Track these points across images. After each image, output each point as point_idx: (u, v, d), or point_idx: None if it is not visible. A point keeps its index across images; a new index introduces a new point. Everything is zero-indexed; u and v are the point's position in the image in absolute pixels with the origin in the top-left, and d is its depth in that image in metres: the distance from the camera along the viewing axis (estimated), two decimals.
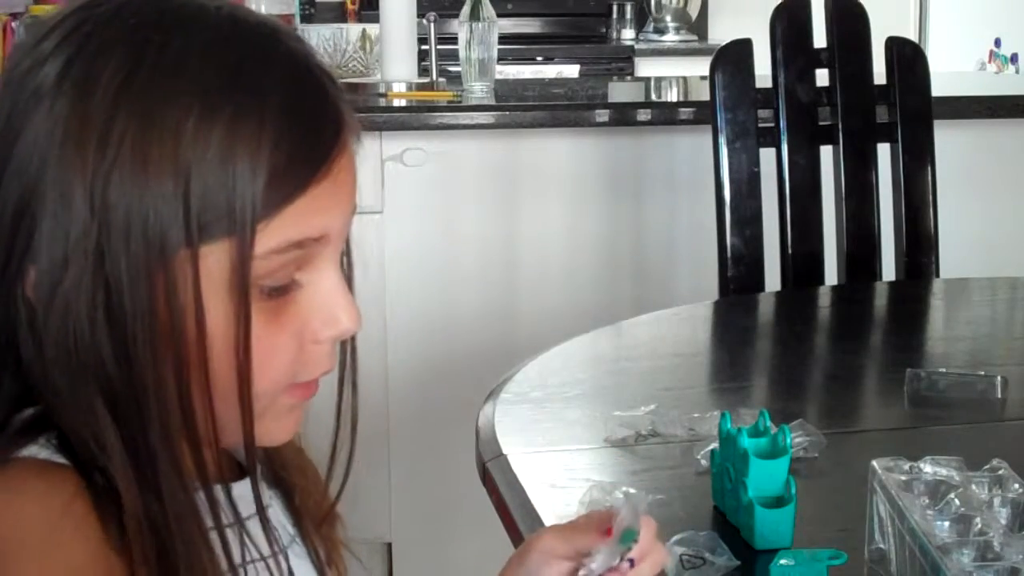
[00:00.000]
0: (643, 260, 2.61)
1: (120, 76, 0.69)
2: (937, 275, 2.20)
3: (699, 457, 1.24)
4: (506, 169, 2.58)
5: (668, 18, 4.68)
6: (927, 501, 0.98)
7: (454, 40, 2.74)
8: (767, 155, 2.16)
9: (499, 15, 2.75)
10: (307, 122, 0.73)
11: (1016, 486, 0.99)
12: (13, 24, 2.74)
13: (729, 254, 2.13)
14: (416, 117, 2.50)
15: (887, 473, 1.02)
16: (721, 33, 4.48)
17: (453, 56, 2.82)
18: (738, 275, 2.12)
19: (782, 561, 1.00)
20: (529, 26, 4.70)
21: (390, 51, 2.72)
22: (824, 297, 2.11)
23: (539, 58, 4.52)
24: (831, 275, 2.19)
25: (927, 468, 1.02)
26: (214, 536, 0.74)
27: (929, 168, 2.22)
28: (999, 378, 1.47)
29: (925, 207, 2.22)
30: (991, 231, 2.67)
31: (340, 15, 4.61)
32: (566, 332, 1.70)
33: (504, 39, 3.00)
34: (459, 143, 2.53)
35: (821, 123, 2.20)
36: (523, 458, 1.28)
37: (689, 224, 2.56)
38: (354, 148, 0.76)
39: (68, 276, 0.69)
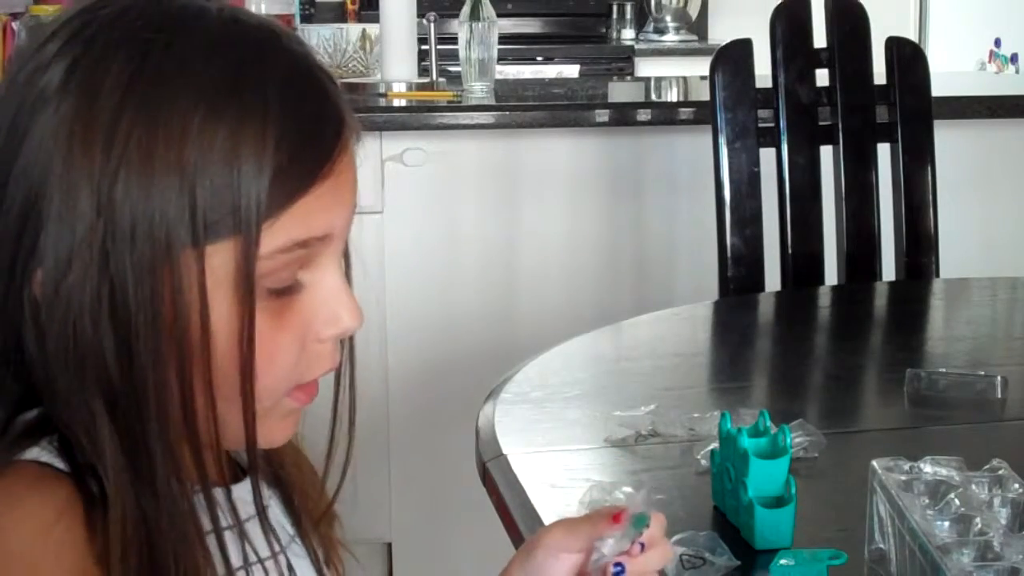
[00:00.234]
0: (643, 260, 2.61)
1: (125, 77, 0.69)
2: (937, 275, 2.20)
3: (699, 457, 1.24)
4: (506, 169, 2.58)
5: (668, 18, 4.68)
6: (927, 501, 0.98)
7: (454, 40, 2.74)
8: (767, 155, 2.16)
9: (499, 15, 2.75)
10: (309, 122, 0.73)
11: (1016, 486, 0.99)
12: (13, 24, 2.74)
13: (729, 254, 2.13)
14: (416, 117, 2.50)
15: (887, 473, 1.02)
16: (721, 33, 4.48)
17: (453, 56, 2.82)
18: (738, 275, 2.12)
19: (782, 561, 1.00)
20: (529, 26, 4.70)
21: (390, 51, 2.72)
22: (824, 297, 2.11)
23: (539, 58, 4.52)
24: (831, 275, 2.19)
25: (927, 468, 1.02)
26: (212, 540, 0.74)
27: (929, 168, 2.22)
28: (999, 378, 1.47)
29: (925, 207, 2.22)
30: (991, 231, 2.67)
31: (340, 15, 4.61)
32: (566, 332, 1.70)
33: (504, 39, 3.00)
34: (459, 143, 2.53)
35: (821, 123, 2.20)
36: (523, 458, 1.28)
37: (689, 224, 2.56)
38: (354, 148, 0.76)
39: (72, 273, 0.69)
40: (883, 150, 2.22)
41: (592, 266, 2.60)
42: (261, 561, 0.78)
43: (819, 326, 1.98)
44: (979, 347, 1.72)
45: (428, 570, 2.59)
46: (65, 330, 0.70)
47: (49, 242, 0.70)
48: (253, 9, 2.89)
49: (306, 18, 4.38)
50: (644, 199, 2.60)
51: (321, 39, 3.99)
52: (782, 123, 2.17)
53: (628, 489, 1.13)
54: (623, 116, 2.56)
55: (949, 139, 2.37)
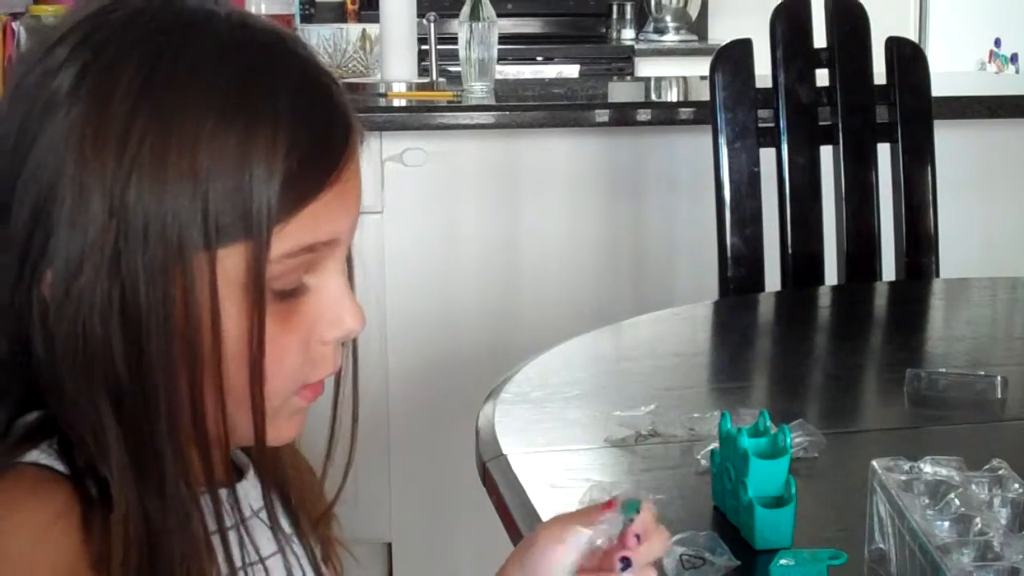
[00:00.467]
0: (643, 260, 2.61)
1: (137, 83, 0.70)
2: (937, 275, 2.20)
3: (699, 457, 1.24)
4: (506, 169, 2.58)
5: (668, 18, 4.68)
6: (927, 501, 0.98)
7: (454, 40, 2.74)
8: (767, 155, 2.16)
9: (499, 15, 2.75)
10: (319, 127, 0.74)
11: (1016, 486, 0.99)
12: (13, 24, 2.74)
13: (729, 254, 2.13)
14: (416, 117, 2.51)
15: (887, 473, 1.02)
16: (721, 33, 4.48)
17: (453, 56, 2.82)
18: (738, 275, 2.12)
19: (782, 561, 1.00)
20: (529, 26, 4.70)
21: (390, 51, 2.72)
22: (824, 297, 2.11)
23: (539, 58, 4.52)
24: (831, 275, 2.19)
25: (927, 468, 1.02)
26: (216, 539, 0.74)
27: (929, 168, 2.22)
28: (999, 378, 1.47)
29: (925, 207, 2.22)
30: (991, 231, 2.67)
31: (340, 15, 4.61)
32: (566, 332, 1.70)
33: (504, 39, 3.00)
34: (459, 143, 2.53)
35: (821, 123, 2.20)
36: (523, 458, 1.28)
37: (689, 224, 2.56)
38: (360, 152, 0.77)
39: (83, 275, 0.70)
40: (883, 150, 2.22)
41: (592, 266, 2.60)
42: (263, 560, 0.79)
43: (819, 326, 1.98)
44: (979, 347, 1.72)
45: (428, 570, 2.59)
46: (74, 331, 0.70)
47: (60, 244, 0.70)
48: (253, 9, 2.90)
49: (306, 18, 4.38)
50: (644, 199, 2.60)
51: (321, 39, 3.99)
52: (782, 123, 2.17)
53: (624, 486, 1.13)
54: (623, 116, 2.56)
55: (949, 139, 2.37)
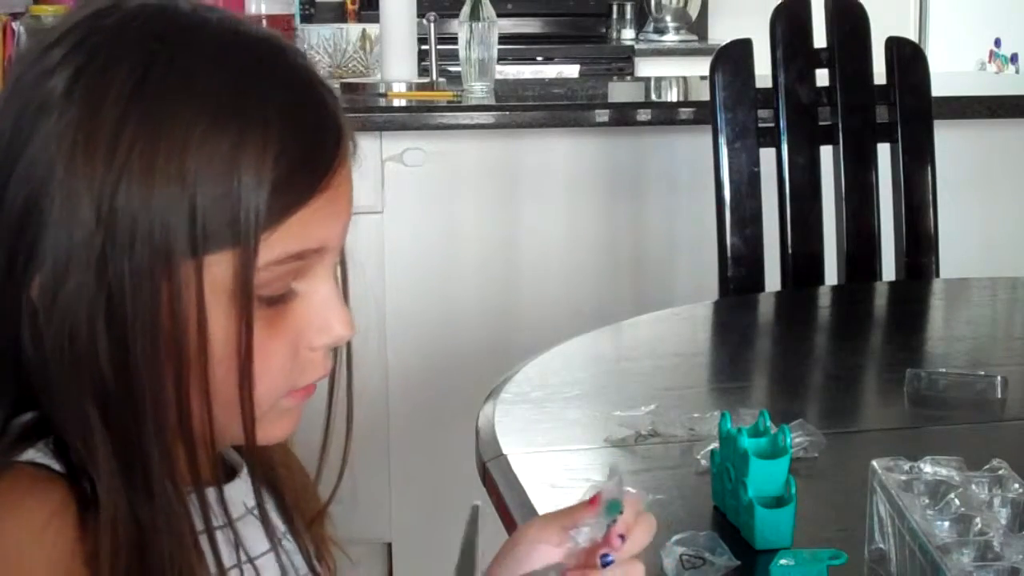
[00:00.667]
0: (643, 260, 2.61)
1: (128, 88, 0.70)
2: (937, 275, 2.20)
3: (699, 457, 1.24)
4: (506, 169, 2.58)
5: (668, 18, 4.68)
6: (927, 501, 0.98)
7: (454, 40, 2.74)
8: (767, 155, 2.16)
9: (499, 15, 2.75)
10: (309, 134, 0.74)
11: (1016, 486, 0.99)
12: (13, 24, 2.74)
13: (729, 254, 2.13)
14: (416, 117, 2.50)
15: (887, 473, 1.02)
16: (721, 33, 4.48)
17: (453, 56, 2.82)
18: (738, 275, 2.12)
19: (782, 561, 1.00)
20: (529, 26, 4.70)
21: (390, 51, 2.72)
22: (824, 297, 2.11)
23: (539, 58, 4.52)
24: (831, 275, 2.19)
25: (927, 468, 1.02)
26: (205, 540, 0.74)
27: (929, 168, 2.22)
28: (999, 378, 1.47)
29: (925, 207, 2.22)
30: (991, 231, 2.67)
31: (340, 15, 4.61)
32: (566, 332, 1.70)
33: (504, 39, 3.00)
34: (459, 143, 2.53)
35: (821, 123, 2.20)
36: (523, 458, 1.28)
37: (689, 224, 2.56)
38: (351, 160, 0.77)
39: (70, 280, 0.70)
40: (883, 150, 2.22)
41: (592, 266, 2.60)
42: (251, 560, 0.79)
43: (819, 326, 1.98)
44: (979, 347, 1.72)
45: (428, 570, 2.59)
46: (62, 335, 0.70)
47: (48, 247, 0.70)
48: (253, 9, 2.89)
49: (306, 18, 4.38)
50: (644, 199, 2.60)
51: (321, 39, 3.99)
52: (782, 123, 2.17)
53: (631, 490, 1.13)
54: (623, 116, 2.56)
55: (949, 139, 2.37)
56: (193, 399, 0.72)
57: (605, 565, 0.81)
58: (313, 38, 3.92)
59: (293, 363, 0.76)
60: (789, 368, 1.68)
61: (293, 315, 0.75)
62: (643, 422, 1.33)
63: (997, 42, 4.25)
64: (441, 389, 2.53)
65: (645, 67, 4.44)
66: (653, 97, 3.12)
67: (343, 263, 0.81)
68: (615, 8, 4.78)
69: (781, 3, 2.21)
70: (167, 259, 0.70)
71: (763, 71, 2.18)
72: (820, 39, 2.21)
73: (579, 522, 0.83)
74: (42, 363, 0.72)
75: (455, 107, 2.53)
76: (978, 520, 0.94)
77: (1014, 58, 4.16)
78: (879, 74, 2.24)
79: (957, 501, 0.96)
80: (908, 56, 2.24)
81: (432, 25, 2.77)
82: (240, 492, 0.81)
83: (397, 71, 2.70)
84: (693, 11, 4.70)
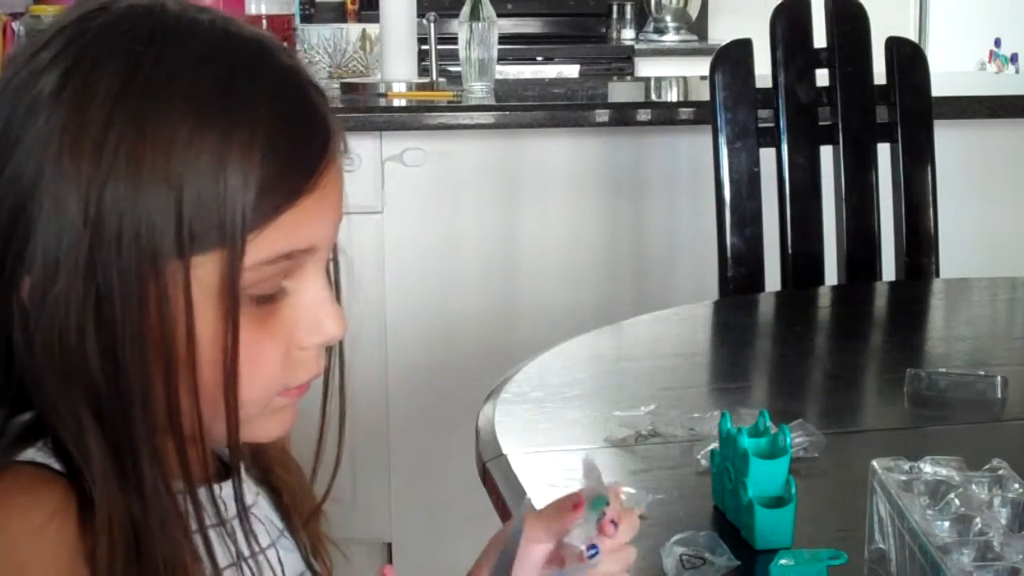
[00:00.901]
0: (643, 260, 2.61)
1: (116, 87, 0.70)
2: (937, 275, 2.20)
3: (699, 457, 1.24)
4: (506, 169, 2.58)
5: (668, 18, 4.68)
6: (927, 501, 0.97)
7: (454, 40, 2.74)
8: (767, 155, 2.16)
9: (499, 15, 2.75)
10: (296, 134, 0.74)
11: (1016, 486, 0.99)
12: (13, 24, 2.74)
13: (729, 254, 2.13)
14: (416, 117, 2.51)
15: (887, 473, 1.01)
16: (721, 33, 4.48)
17: (453, 56, 2.82)
18: (738, 275, 2.12)
19: (782, 561, 1.00)
20: (529, 26, 4.70)
21: (390, 51, 2.71)
22: (824, 297, 2.11)
23: (539, 58, 4.52)
24: (831, 275, 2.19)
25: (927, 468, 1.02)
26: (198, 538, 0.75)
27: (929, 168, 2.22)
28: (999, 378, 1.47)
29: (925, 207, 2.22)
30: (991, 231, 2.67)
31: (340, 15, 4.61)
32: (566, 332, 1.70)
33: (504, 39, 3.00)
34: (459, 143, 2.53)
35: (821, 123, 2.20)
36: (523, 458, 1.27)
37: (689, 224, 2.56)
38: (342, 160, 0.77)
39: (59, 283, 0.70)
40: (883, 150, 2.22)
41: (592, 266, 2.60)
42: (245, 559, 0.79)
43: (819, 326, 1.98)
44: (979, 347, 1.72)
45: (428, 570, 2.59)
46: (51, 338, 0.70)
47: (37, 248, 0.70)
48: (253, 9, 2.89)
49: (306, 18, 4.38)
50: (644, 199, 2.60)
51: (321, 39, 3.99)
52: (782, 123, 2.17)
53: (630, 490, 1.13)
54: (623, 116, 2.56)
55: (949, 139, 2.37)
56: (183, 399, 0.72)
57: (592, 556, 0.81)
58: (313, 38, 3.91)
59: (285, 363, 0.76)
60: (789, 368, 1.68)
61: (284, 315, 0.75)
62: (643, 422, 1.33)
63: (997, 42, 4.25)
64: (441, 389, 2.53)
65: (645, 67, 4.44)
66: (653, 97, 3.12)
67: (335, 262, 0.81)
68: (615, 8, 4.78)
69: (781, 3, 2.21)
70: (154, 260, 0.70)
71: (763, 71, 2.18)
72: (820, 39, 2.21)
73: (568, 527, 0.83)
74: (34, 365, 0.72)
75: (455, 107, 2.53)
76: (978, 520, 0.94)
77: (1014, 58, 4.16)
78: (879, 74, 2.24)
79: (957, 501, 0.96)
80: (908, 56, 2.24)
81: (432, 25, 2.77)
82: (238, 489, 0.81)
83: (397, 71, 2.70)
84: (693, 11, 4.70)
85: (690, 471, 1.24)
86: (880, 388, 1.62)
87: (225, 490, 0.79)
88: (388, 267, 2.51)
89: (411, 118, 2.50)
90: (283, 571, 0.84)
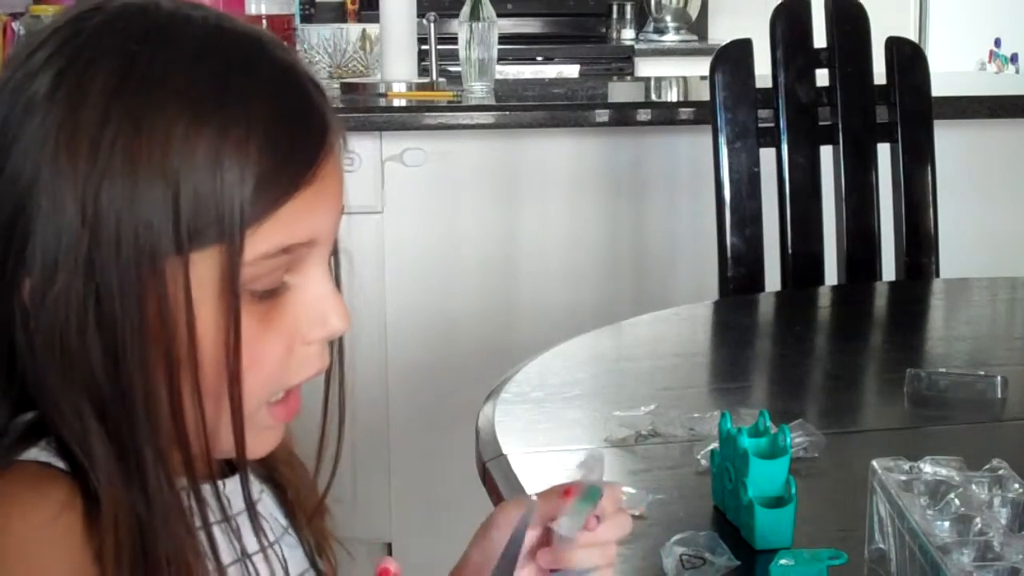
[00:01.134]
0: (643, 260, 2.61)
1: (110, 86, 0.70)
2: (937, 275, 2.20)
3: (699, 457, 1.24)
4: (506, 169, 2.58)
5: (668, 18, 4.68)
6: (927, 501, 0.97)
7: (454, 40, 2.74)
8: (767, 155, 2.16)
9: (499, 15, 2.76)
10: (292, 128, 0.74)
11: (1016, 486, 0.99)
12: (13, 24, 2.74)
13: (729, 254, 2.13)
14: (416, 117, 2.50)
15: (887, 473, 1.01)
16: (721, 33, 4.48)
17: (453, 56, 2.82)
18: (738, 275, 2.12)
19: (782, 561, 1.00)
20: (529, 26, 4.70)
21: (390, 51, 2.71)
22: (824, 297, 2.11)
23: (539, 58, 4.52)
24: (831, 275, 2.19)
25: (927, 468, 1.02)
26: (202, 535, 0.75)
27: (929, 168, 2.22)
28: (999, 378, 1.47)
29: (925, 207, 2.22)
30: (991, 231, 2.67)
31: (340, 15, 4.61)
32: (566, 332, 1.70)
33: (504, 39, 3.00)
34: (459, 143, 2.53)
35: (821, 123, 2.20)
36: (523, 458, 1.27)
37: (689, 224, 2.56)
38: (340, 153, 0.77)
39: (58, 283, 0.70)
40: (883, 150, 2.22)
41: (592, 266, 2.60)
42: (249, 556, 0.79)
43: (819, 326, 1.98)
44: (979, 347, 1.72)
45: (428, 570, 2.59)
46: (52, 338, 0.70)
47: (36, 249, 0.70)
48: (253, 9, 2.89)
49: (306, 18, 4.38)
50: (644, 199, 2.60)
51: (321, 39, 3.99)
52: (782, 123, 2.17)
53: (630, 490, 1.13)
54: (623, 116, 2.56)
55: (949, 139, 2.37)
56: (185, 398, 0.72)
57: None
58: (313, 38, 3.91)
59: (288, 358, 0.76)
60: (789, 368, 1.68)
61: (287, 309, 0.75)
62: (643, 422, 1.33)
63: (997, 42, 4.25)
64: (441, 389, 2.53)
65: (645, 67, 4.44)
66: (653, 97, 3.12)
67: (336, 257, 0.80)
68: (615, 8, 4.78)
69: (781, 3, 2.21)
70: (153, 257, 0.70)
71: (763, 71, 2.18)
72: (820, 39, 2.21)
73: (557, 512, 0.82)
74: (36, 365, 0.72)
75: (455, 107, 2.54)
76: (978, 520, 0.94)
77: (1014, 58, 4.16)
78: (879, 74, 2.24)
79: (957, 501, 0.96)
80: (908, 56, 2.24)
81: (432, 25, 2.76)
82: (239, 487, 0.81)
83: (397, 71, 2.70)
84: (693, 11, 4.70)
85: (690, 471, 1.24)
86: (880, 388, 1.62)
87: (229, 486, 0.79)
88: (388, 267, 2.51)
89: (411, 118, 2.50)
90: (287, 569, 0.84)
